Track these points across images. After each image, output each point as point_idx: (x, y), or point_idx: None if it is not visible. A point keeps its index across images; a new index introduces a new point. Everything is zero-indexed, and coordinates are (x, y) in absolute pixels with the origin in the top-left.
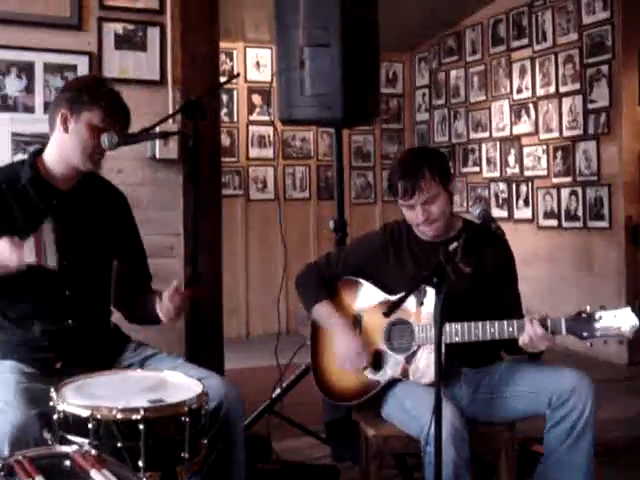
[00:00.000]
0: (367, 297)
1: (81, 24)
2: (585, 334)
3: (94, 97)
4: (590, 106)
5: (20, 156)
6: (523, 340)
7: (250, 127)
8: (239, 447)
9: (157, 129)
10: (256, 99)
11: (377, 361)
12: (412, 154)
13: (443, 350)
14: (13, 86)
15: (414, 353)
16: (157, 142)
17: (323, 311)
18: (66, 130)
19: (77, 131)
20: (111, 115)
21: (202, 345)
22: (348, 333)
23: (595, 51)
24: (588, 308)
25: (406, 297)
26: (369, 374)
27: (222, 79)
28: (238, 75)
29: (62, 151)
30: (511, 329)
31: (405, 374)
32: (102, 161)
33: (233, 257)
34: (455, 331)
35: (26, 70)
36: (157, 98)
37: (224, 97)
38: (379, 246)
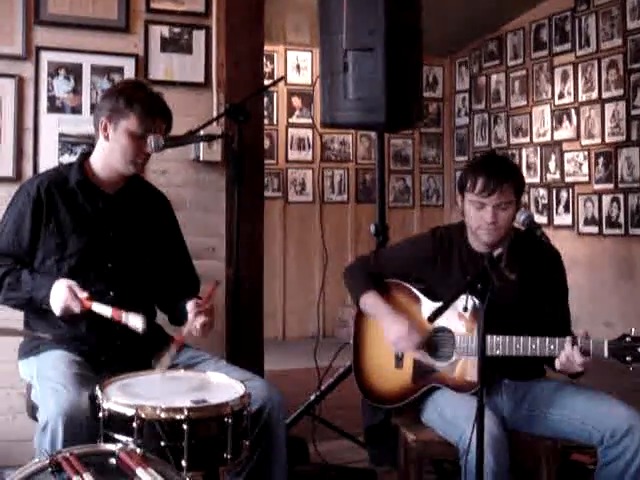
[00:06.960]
0: (412, 302)
1: (128, 27)
2: (629, 358)
3: (130, 104)
4: (634, 112)
5: (67, 157)
6: (560, 360)
7: (289, 129)
8: (280, 449)
9: (202, 132)
10: (296, 102)
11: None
12: (496, 157)
13: None
14: (61, 88)
15: (454, 362)
16: (201, 144)
17: (370, 301)
18: (107, 138)
19: (117, 139)
20: (147, 120)
21: (242, 346)
22: (396, 318)
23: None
24: (633, 331)
25: (449, 303)
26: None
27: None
28: (282, 78)
29: (105, 157)
30: (552, 347)
31: (445, 382)
32: (146, 164)
33: (270, 258)
34: (496, 344)
35: (74, 72)
36: (201, 100)
37: (264, 99)
38: (427, 251)
